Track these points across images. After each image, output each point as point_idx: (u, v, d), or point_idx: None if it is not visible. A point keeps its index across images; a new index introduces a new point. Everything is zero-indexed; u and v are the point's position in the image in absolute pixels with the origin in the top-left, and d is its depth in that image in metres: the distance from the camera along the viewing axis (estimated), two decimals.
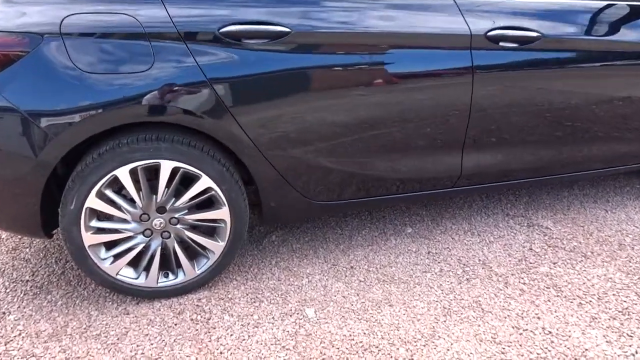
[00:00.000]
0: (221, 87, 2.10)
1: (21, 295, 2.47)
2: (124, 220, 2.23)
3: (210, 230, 2.40)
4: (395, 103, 2.31)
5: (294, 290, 2.44)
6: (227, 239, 2.35)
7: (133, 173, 2.14)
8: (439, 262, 2.60)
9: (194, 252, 2.39)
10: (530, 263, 2.58)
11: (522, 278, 2.47)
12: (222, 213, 2.30)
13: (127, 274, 2.32)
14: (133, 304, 2.37)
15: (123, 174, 2.12)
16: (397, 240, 2.80)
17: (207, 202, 2.33)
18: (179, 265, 2.37)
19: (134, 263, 2.32)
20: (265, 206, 2.40)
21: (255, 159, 2.24)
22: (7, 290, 2.48)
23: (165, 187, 2.20)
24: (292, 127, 2.23)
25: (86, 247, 2.20)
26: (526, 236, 2.80)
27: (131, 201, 2.22)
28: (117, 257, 2.28)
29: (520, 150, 2.60)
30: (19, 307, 2.39)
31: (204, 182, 2.22)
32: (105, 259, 2.26)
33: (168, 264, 2.37)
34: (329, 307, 2.31)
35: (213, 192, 2.25)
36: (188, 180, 2.26)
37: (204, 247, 2.37)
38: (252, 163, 2.25)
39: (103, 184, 2.12)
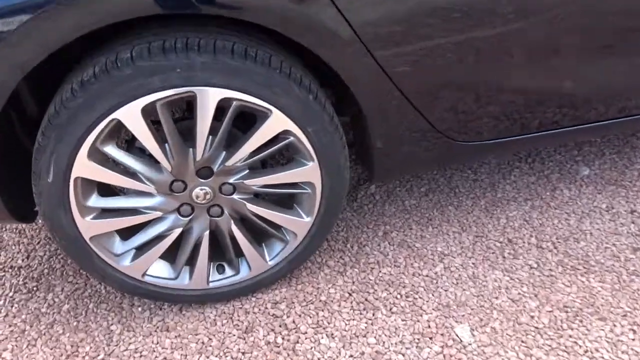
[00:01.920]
0: None
1: (11, 294, 1.66)
2: (144, 194, 1.32)
3: (287, 200, 1.47)
4: None
5: (426, 287, 1.53)
6: (316, 211, 1.41)
7: (149, 112, 1.19)
8: None
9: (262, 234, 1.49)
10: None
11: None
12: (309, 172, 1.34)
13: (159, 273, 1.43)
14: (174, 312, 1.53)
15: (130, 116, 1.15)
16: (572, 189, 1.80)
17: (280, 155, 1.38)
18: (240, 254, 1.48)
19: (168, 256, 1.45)
20: (374, 150, 1.42)
21: (362, 70, 1.23)
22: None
23: (209, 135, 1.25)
24: (423, 11, 1.19)
25: (86, 239, 1.32)
26: None
27: (151, 160, 1.29)
28: (140, 250, 1.41)
29: None
30: (7, 314, 1.58)
31: (277, 121, 1.23)
32: (121, 254, 1.38)
33: (223, 253, 1.49)
34: (492, 322, 1.41)
35: (291, 138, 1.29)
36: (247, 121, 1.30)
37: (278, 227, 1.46)
38: (355, 77, 1.24)
39: (97, 136, 1.18)
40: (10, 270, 1.73)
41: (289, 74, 1.21)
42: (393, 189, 1.87)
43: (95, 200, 1.28)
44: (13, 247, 1.82)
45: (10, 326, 1.54)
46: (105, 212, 1.31)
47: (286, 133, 1.27)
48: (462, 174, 1.91)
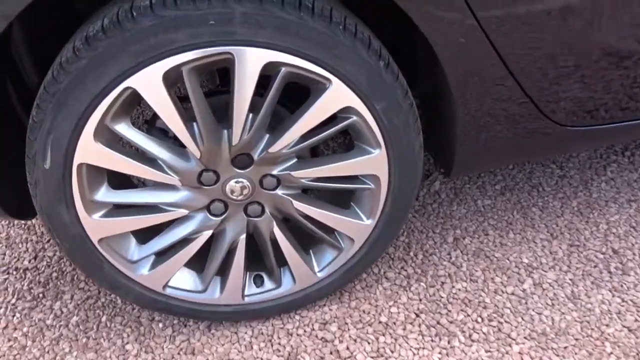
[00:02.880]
0: None
1: (13, 301, 1.42)
2: (166, 187, 1.05)
3: (343, 197, 1.18)
4: None
5: (513, 309, 1.22)
6: (379, 212, 1.12)
7: (173, 81, 0.93)
8: None
9: (311, 239, 1.21)
10: None
11: None
12: (374, 162, 1.05)
13: (184, 285, 1.17)
14: (201, 331, 1.26)
15: (148, 84, 0.89)
16: None
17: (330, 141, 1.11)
18: (283, 264, 1.20)
19: (195, 264, 1.19)
20: (456, 137, 1.12)
21: (458, 33, 0.93)
22: None
23: (249, 112, 0.98)
24: None
25: (94, 242, 1.07)
26: None
27: (176, 144, 1.03)
28: (161, 256, 1.14)
29: None
30: (6, 325, 1.33)
31: (337, 95, 0.95)
32: (138, 261, 1.12)
33: (261, 261, 1.22)
34: (606, 358, 1.11)
35: (354, 118, 1.00)
36: (297, 94, 1.03)
37: (330, 230, 1.18)
38: (448, 41, 0.94)
39: (107, 110, 0.91)
40: (14, 272, 1.50)
41: (355, 32, 0.92)
42: (461, 186, 1.57)
43: (105, 194, 1.01)
44: (20, 246, 1.59)
45: (9, 340, 1.30)
46: (118, 209, 1.05)
47: (347, 111, 0.99)
48: (544, 169, 1.60)
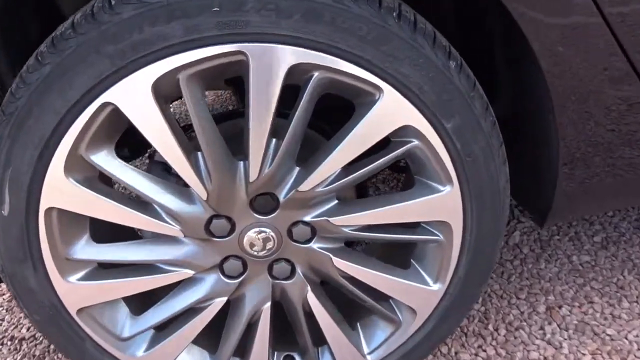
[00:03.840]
0: None
1: None
2: (165, 240, 0.80)
3: (400, 253, 0.90)
4: None
5: None
6: (450, 273, 0.84)
7: (166, 93, 0.70)
8: None
9: (357, 309, 0.93)
10: None
11: None
12: (441, 204, 0.77)
13: None
14: None
15: (133, 98, 0.66)
16: None
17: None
18: (322, 342, 0.91)
19: (206, 340, 0.92)
20: (557, 173, 0.84)
21: (577, 34, 0.67)
22: None
23: (271, 136, 0.73)
24: None
25: (72, 313, 0.82)
26: None
27: (178, 183, 0.79)
28: (161, 331, 0.89)
29: None
30: None
31: (391, 110, 0.69)
32: (130, 337, 0.87)
33: (292, 337, 0.94)
34: None
35: (414, 142, 0.74)
36: (333, 111, 0.78)
37: (384, 298, 0.89)
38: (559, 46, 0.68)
39: (80, 135, 0.69)
40: (9, 342, 1.27)
41: (415, 22, 0.68)
42: (548, 238, 1.25)
43: (85, 249, 0.77)
44: (20, 311, 1.38)
45: None
46: (103, 269, 0.81)
47: (404, 132, 0.72)
48: None
